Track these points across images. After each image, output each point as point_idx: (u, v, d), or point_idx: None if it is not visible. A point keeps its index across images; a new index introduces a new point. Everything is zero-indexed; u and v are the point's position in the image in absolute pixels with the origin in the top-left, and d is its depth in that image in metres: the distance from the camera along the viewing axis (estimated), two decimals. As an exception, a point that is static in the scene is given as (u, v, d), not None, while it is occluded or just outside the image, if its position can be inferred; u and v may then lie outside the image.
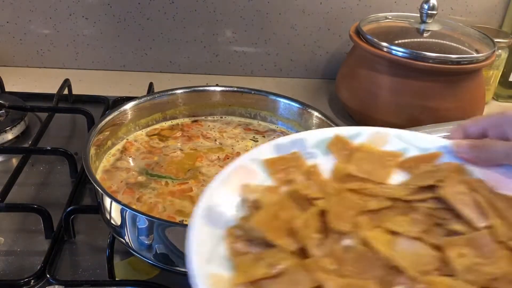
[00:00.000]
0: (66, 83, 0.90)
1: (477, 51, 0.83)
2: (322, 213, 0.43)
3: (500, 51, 0.96)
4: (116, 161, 0.64)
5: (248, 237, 0.41)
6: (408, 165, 0.49)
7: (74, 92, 0.92)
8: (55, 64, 1.05)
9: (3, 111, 0.82)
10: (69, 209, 0.60)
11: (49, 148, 0.74)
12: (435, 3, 0.86)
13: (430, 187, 0.46)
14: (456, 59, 0.80)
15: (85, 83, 0.98)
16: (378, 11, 0.98)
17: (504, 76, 1.02)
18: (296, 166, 0.49)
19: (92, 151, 0.59)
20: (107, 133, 0.64)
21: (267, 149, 0.51)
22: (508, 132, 0.47)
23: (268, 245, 0.40)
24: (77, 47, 1.04)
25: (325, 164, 0.50)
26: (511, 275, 0.38)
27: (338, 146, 0.52)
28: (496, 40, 0.89)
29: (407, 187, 0.46)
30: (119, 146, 0.67)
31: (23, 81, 1.00)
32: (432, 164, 0.49)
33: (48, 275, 0.55)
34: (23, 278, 0.55)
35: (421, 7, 0.87)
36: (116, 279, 0.55)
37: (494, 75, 1.00)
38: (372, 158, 0.50)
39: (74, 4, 0.99)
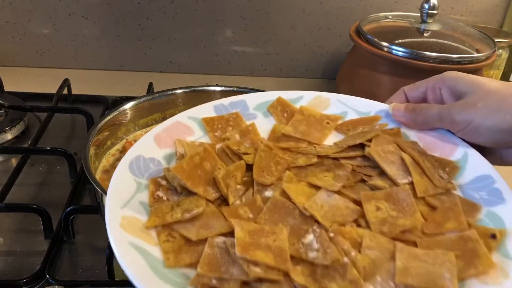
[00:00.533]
0: (66, 83, 0.90)
1: (477, 51, 0.83)
2: (250, 168, 0.45)
3: (500, 50, 0.96)
4: (116, 161, 0.64)
5: (170, 186, 0.43)
6: (346, 127, 0.52)
7: (74, 92, 0.92)
8: (54, 64, 1.05)
9: (3, 111, 0.81)
10: (68, 209, 0.60)
11: (48, 148, 0.74)
12: (436, 2, 0.86)
13: (361, 146, 0.48)
14: (457, 59, 0.80)
15: (85, 83, 0.98)
16: (378, 11, 0.98)
17: (505, 75, 1.02)
18: (233, 125, 0.51)
19: (92, 151, 0.59)
20: (107, 133, 0.64)
21: (206, 109, 0.52)
22: (443, 95, 0.49)
23: (189, 193, 0.41)
24: (76, 47, 1.03)
25: (264, 125, 0.52)
26: (423, 228, 0.40)
27: (278, 108, 0.54)
28: (496, 40, 0.89)
29: (337, 146, 0.48)
30: (118, 146, 0.67)
31: (22, 81, 1.00)
32: (369, 126, 0.51)
33: (47, 275, 0.55)
34: (23, 278, 0.55)
35: (422, 7, 0.87)
36: (116, 279, 0.55)
37: (494, 75, 1.00)
38: (310, 121, 0.52)
39: (74, 4, 0.99)
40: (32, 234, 0.62)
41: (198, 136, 0.49)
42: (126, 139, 0.68)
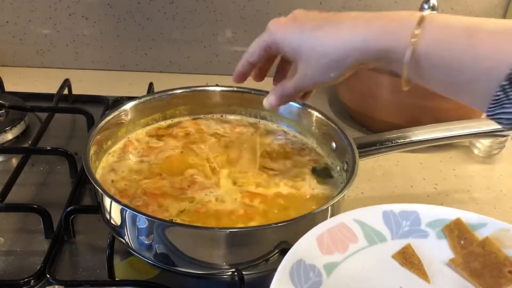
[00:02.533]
0: (66, 83, 0.90)
1: (477, 51, 0.83)
2: None
3: (500, 51, 0.96)
4: (115, 161, 0.64)
5: None
6: None
7: (74, 92, 0.92)
8: (55, 64, 1.05)
9: (3, 111, 0.81)
10: (69, 209, 0.60)
11: (49, 148, 0.74)
12: (435, 3, 0.86)
13: None
14: (456, 59, 0.80)
15: (85, 83, 0.98)
16: (378, 11, 0.98)
17: (504, 76, 1.02)
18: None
19: (92, 151, 0.59)
20: (107, 133, 0.64)
21: (374, 213, 0.50)
22: (280, 52, 0.54)
23: None
24: (77, 47, 1.04)
25: (433, 248, 0.48)
26: None
27: (455, 232, 0.49)
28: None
29: None
30: (120, 144, 0.67)
31: (23, 81, 1.00)
32: None
33: (48, 275, 0.55)
34: (23, 278, 0.55)
35: (421, 7, 0.87)
36: (116, 279, 0.55)
37: (494, 75, 1.00)
38: (489, 260, 0.47)
39: (74, 4, 0.99)
40: (32, 234, 0.62)
41: (362, 245, 0.47)
42: (128, 138, 0.68)
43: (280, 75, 0.60)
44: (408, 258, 0.49)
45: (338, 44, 0.47)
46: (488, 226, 0.50)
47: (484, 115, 0.44)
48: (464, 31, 0.42)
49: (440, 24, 0.43)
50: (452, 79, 0.43)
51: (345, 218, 0.49)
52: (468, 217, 0.51)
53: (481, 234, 0.50)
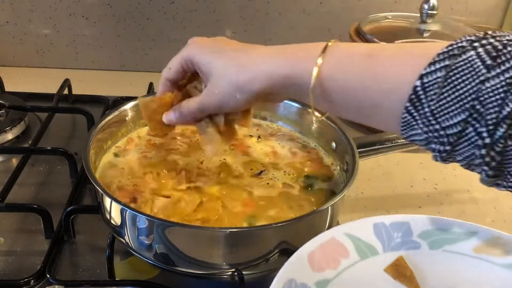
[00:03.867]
0: (66, 83, 0.90)
1: (477, 51, 0.83)
2: None
3: (500, 51, 0.96)
4: (115, 156, 0.64)
5: None
6: None
7: (74, 92, 0.92)
8: (55, 64, 1.05)
9: (3, 111, 0.82)
10: (69, 209, 0.60)
11: (49, 148, 0.74)
12: (435, 3, 0.86)
13: None
14: (456, 59, 0.80)
15: (85, 83, 0.98)
16: (378, 11, 0.98)
17: (504, 76, 1.02)
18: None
19: (92, 151, 0.59)
20: (107, 133, 0.64)
21: (365, 227, 0.49)
22: (195, 68, 0.53)
23: None
24: (77, 47, 1.04)
25: (424, 258, 0.47)
26: None
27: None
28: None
29: None
30: (120, 143, 0.67)
31: (23, 81, 1.00)
32: None
33: (48, 275, 0.55)
34: (23, 278, 0.55)
35: (421, 7, 0.87)
36: (116, 279, 0.55)
37: (494, 75, 1.00)
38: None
39: (74, 4, 0.99)
40: (32, 234, 0.62)
41: (353, 260, 0.47)
42: (130, 136, 0.69)
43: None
44: (400, 271, 0.48)
45: (248, 66, 0.48)
46: (478, 234, 0.50)
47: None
48: (364, 55, 0.43)
49: (342, 51, 0.44)
50: (358, 104, 0.44)
51: (336, 232, 0.48)
52: (459, 225, 0.50)
53: (472, 243, 0.49)
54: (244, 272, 0.51)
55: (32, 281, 0.55)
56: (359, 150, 0.61)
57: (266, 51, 0.49)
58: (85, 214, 0.63)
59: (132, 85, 1.01)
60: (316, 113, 0.51)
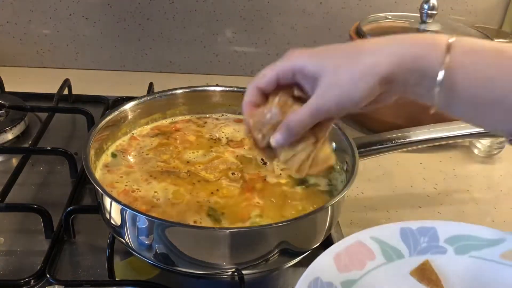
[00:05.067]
0: (66, 83, 0.90)
1: (477, 51, 0.83)
2: None
3: (500, 51, 0.96)
4: (114, 156, 0.64)
5: None
6: None
7: (74, 92, 0.92)
8: (55, 64, 1.05)
9: (3, 111, 0.81)
10: (69, 209, 0.60)
11: (49, 148, 0.74)
12: (435, 3, 0.86)
13: None
14: (456, 59, 0.80)
15: (85, 83, 0.98)
16: (378, 11, 0.98)
17: (504, 76, 1.02)
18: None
19: (92, 151, 0.59)
20: (107, 133, 0.64)
21: (392, 231, 0.49)
22: (300, 82, 0.46)
23: None
24: (77, 47, 1.04)
25: (452, 264, 0.48)
26: None
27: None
28: (496, 40, 0.89)
29: None
30: (120, 141, 0.67)
31: (23, 81, 1.00)
32: None
33: (48, 275, 0.55)
34: (23, 278, 0.55)
35: (421, 7, 0.87)
36: (116, 279, 0.55)
37: (494, 75, 1.00)
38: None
39: (74, 4, 0.99)
40: (32, 234, 0.62)
41: (379, 262, 0.47)
42: (132, 134, 0.69)
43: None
44: (426, 275, 0.49)
45: (370, 49, 0.45)
46: (507, 241, 0.50)
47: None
48: (493, 49, 0.42)
49: (469, 43, 0.43)
50: (479, 99, 0.42)
51: (362, 236, 0.49)
52: (488, 233, 0.50)
53: (499, 249, 0.49)
54: (244, 272, 0.51)
55: (32, 281, 0.55)
56: (359, 150, 0.61)
57: (383, 40, 0.45)
58: (85, 214, 0.63)
59: (132, 85, 1.01)
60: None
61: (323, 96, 0.44)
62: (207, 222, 0.54)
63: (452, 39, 0.42)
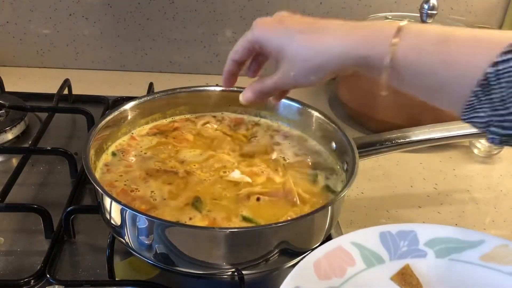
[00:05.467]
0: (66, 83, 0.90)
1: (477, 51, 0.83)
2: None
3: (500, 51, 0.96)
4: (115, 160, 0.64)
5: None
6: None
7: (74, 92, 0.92)
8: (55, 64, 1.05)
9: (3, 111, 0.81)
10: (69, 209, 0.60)
11: (49, 148, 0.74)
12: (435, 3, 0.86)
13: None
14: (456, 59, 0.80)
15: (85, 83, 0.98)
16: (378, 11, 0.98)
17: (504, 76, 1.02)
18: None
19: (92, 151, 0.59)
20: (107, 133, 0.64)
21: (371, 235, 0.49)
22: (263, 50, 0.54)
23: None
24: (77, 47, 1.04)
25: (432, 268, 0.48)
26: None
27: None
28: (496, 40, 0.89)
29: None
30: (120, 140, 0.67)
31: (23, 81, 1.00)
32: None
33: (48, 275, 0.55)
34: (23, 278, 0.55)
35: (421, 7, 0.87)
36: (116, 279, 0.55)
37: (494, 75, 1.00)
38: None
39: (74, 4, 0.99)
40: (32, 234, 0.62)
41: (360, 268, 0.47)
42: (132, 133, 0.69)
43: (254, 67, 0.61)
44: (407, 279, 0.48)
45: (322, 49, 0.49)
46: (486, 243, 0.50)
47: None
48: (437, 38, 0.45)
49: (414, 34, 0.46)
50: (426, 84, 0.46)
51: (342, 241, 0.48)
52: (465, 234, 0.50)
53: (479, 251, 0.49)
54: (244, 272, 0.51)
55: (32, 281, 0.55)
56: (359, 150, 0.61)
57: (337, 31, 0.49)
58: (85, 214, 0.63)
59: (132, 85, 1.01)
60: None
61: (283, 79, 0.53)
62: (192, 212, 0.55)
63: (403, 23, 0.46)
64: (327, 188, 0.61)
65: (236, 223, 0.54)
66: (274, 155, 0.66)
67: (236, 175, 0.61)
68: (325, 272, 0.45)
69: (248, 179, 0.61)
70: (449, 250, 0.50)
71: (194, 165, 0.63)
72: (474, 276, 0.48)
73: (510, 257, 0.49)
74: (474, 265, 0.49)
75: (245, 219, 0.55)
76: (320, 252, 0.46)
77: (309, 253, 0.49)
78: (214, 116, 0.74)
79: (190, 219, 0.54)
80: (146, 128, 0.70)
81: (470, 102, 0.43)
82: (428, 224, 0.51)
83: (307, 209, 0.56)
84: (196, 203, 0.56)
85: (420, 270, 0.49)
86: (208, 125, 0.72)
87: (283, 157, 0.66)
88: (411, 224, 0.51)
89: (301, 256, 0.54)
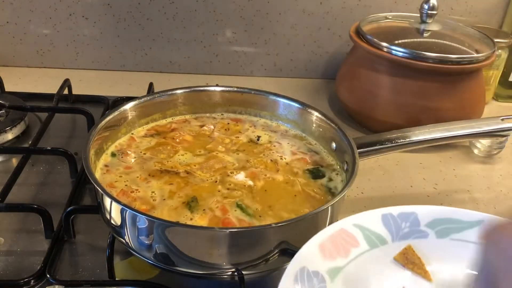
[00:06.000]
0: (66, 83, 0.90)
1: (477, 51, 0.83)
2: None
3: (500, 51, 0.96)
4: (115, 160, 0.64)
5: None
6: None
7: (74, 92, 0.92)
8: (55, 64, 1.05)
9: (3, 111, 0.81)
10: (69, 209, 0.60)
11: (49, 148, 0.74)
12: (435, 3, 0.86)
13: None
14: (456, 59, 0.80)
15: (85, 83, 0.98)
16: (378, 11, 0.98)
17: (504, 76, 1.02)
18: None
19: (92, 151, 0.59)
20: (107, 133, 0.64)
21: (373, 217, 0.50)
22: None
23: None
24: (77, 47, 1.04)
25: (434, 247, 0.48)
26: None
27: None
28: (496, 40, 0.89)
29: None
30: (120, 140, 0.67)
31: (23, 81, 1.00)
32: None
33: (48, 275, 0.55)
34: (23, 278, 0.55)
35: (421, 7, 0.87)
36: (116, 279, 0.55)
37: (494, 75, 1.00)
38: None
39: (74, 4, 0.99)
40: (32, 234, 0.62)
41: (364, 249, 0.48)
42: (132, 134, 0.69)
43: None
44: (409, 259, 0.50)
45: None
46: (485, 222, 0.51)
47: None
48: None
49: None
50: None
51: (345, 223, 0.49)
52: (466, 213, 0.51)
53: (479, 232, 0.50)
54: (244, 272, 0.51)
55: (32, 281, 0.55)
56: (359, 150, 0.61)
57: None
58: (85, 214, 0.63)
59: (132, 85, 1.01)
60: None
61: None
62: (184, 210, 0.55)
63: None
64: (327, 188, 0.61)
65: (232, 212, 0.55)
66: (274, 155, 0.66)
67: (240, 177, 0.61)
68: (330, 252, 0.46)
69: (251, 183, 0.61)
70: (449, 230, 0.51)
71: (195, 165, 0.63)
72: (475, 255, 0.49)
73: None
74: (475, 244, 0.50)
75: (239, 206, 0.56)
76: (324, 235, 0.47)
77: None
78: (214, 118, 0.74)
79: (191, 219, 0.54)
80: (144, 129, 0.70)
81: None
82: (428, 205, 0.53)
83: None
84: (191, 203, 0.56)
85: (423, 250, 0.50)
86: (206, 126, 0.72)
87: (283, 157, 0.66)
88: (412, 206, 0.52)
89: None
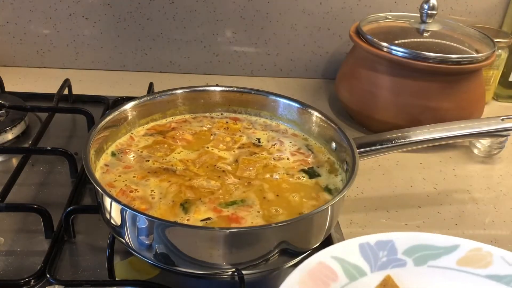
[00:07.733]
0: (66, 83, 0.90)
1: (477, 51, 0.83)
2: None
3: (500, 51, 0.96)
4: (114, 160, 0.64)
5: None
6: None
7: (74, 92, 0.92)
8: (55, 64, 1.05)
9: (3, 111, 0.81)
10: (69, 209, 0.60)
11: (49, 148, 0.74)
12: (435, 3, 0.86)
13: None
14: (456, 59, 0.80)
15: (85, 83, 0.98)
16: (378, 11, 0.98)
17: (504, 76, 1.02)
18: None
19: (92, 151, 0.59)
20: (107, 133, 0.64)
21: (351, 247, 0.49)
22: None
23: None
24: (77, 47, 1.04)
25: (412, 277, 0.48)
26: None
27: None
28: (496, 40, 0.89)
29: None
30: (120, 140, 0.67)
31: (23, 81, 1.00)
32: None
33: (48, 275, 0.55)
34: (23, 278, 0.55)
35: (421, 7, 0.87)
36: (116, 279, 0.55)
37: (494, 75, 1.00)
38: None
39: (74, 4, 0.99)
40: (32, 234, 0.62)
41: (343, 282, 0.47)
42: (131, 133, 0.69)
43: None
44: None
45: None
46: (460, 247, 0.50)
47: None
48: None
49: None
50: None
51: (323, 256, 0.48)
52: (441, 239, 0.51)
53: (455, 256, 0.50)
54: (244, 272, 0.51)
55: (32, 281, 0.55)
56: (359, 150, 0.61)
57: None
58: (85, 214, 0.63)
59: (132, 85, 1.01)
60: None
61: None
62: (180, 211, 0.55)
63: None
64: (327, 188, 0.61)
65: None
66: (274, 155, 0.66)
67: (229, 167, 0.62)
68: None
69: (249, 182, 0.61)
70: (426, 257, 0.51)
71: (187, 161, 0.63)
72: (452, 281, 0.49)
73: (486, 260, 0.49)
74: (452, 270, 0.50)
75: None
76: (303, 270, 0.46)
77: (292, 271, 0.48)
78: (213, 117, 0.74)
79: (188, 220, 0.54)
80: (144, 129, 0.70)
81: None
82: (404, 232, 0.52)
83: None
84: (185, 205, 0.56)
85: (402, 279, 0.49)
86: (206, 126, 0.72)
87: (283, 157, 0.66)
88: (388, 234, 0.51)
89: (301, 256, 0.55)
